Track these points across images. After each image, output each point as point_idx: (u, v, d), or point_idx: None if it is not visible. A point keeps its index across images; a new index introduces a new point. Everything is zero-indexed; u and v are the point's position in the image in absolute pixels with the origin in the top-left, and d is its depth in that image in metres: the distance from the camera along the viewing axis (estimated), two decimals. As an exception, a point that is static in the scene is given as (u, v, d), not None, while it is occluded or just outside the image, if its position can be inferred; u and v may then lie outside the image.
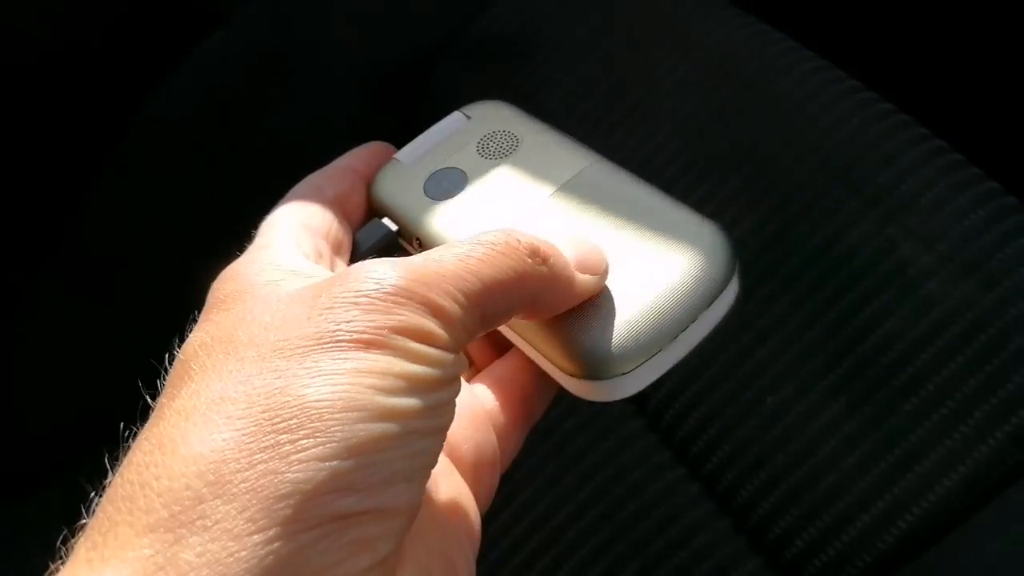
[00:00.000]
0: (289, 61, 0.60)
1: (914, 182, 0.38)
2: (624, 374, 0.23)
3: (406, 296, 0.19)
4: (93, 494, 0.18)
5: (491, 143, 0.30)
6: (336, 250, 0.26)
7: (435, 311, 0.19)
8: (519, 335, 0.26)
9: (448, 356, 0.20)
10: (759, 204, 0.41)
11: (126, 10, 0.60)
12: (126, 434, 0.19)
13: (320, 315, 0.19)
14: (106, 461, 0.18)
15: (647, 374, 0.24)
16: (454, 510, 0.23)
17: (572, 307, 0.24)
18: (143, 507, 0.16)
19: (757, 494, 0.36)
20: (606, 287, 0.24)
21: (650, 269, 0.25)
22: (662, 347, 0.23)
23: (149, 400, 0.19)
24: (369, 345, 0.18)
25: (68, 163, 0.61)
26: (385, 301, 0.19)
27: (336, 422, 0.17)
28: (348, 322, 0.18)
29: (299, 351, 0.18)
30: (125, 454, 0.18)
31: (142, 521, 0.16)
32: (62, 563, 0.16)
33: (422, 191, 0.29)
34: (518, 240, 0.22)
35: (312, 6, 0.61)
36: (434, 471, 0.23)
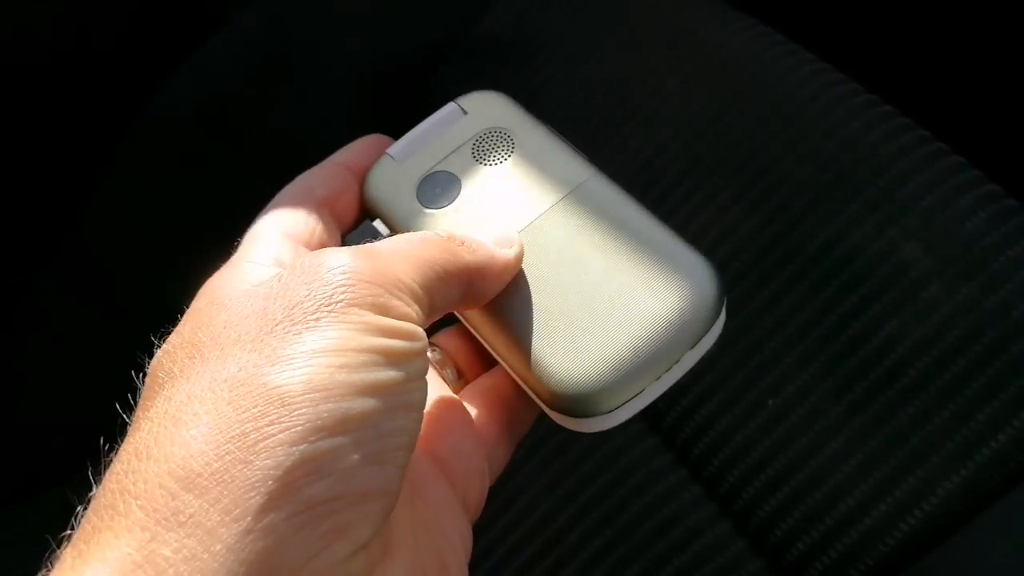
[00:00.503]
0: (290, 63, 0.60)
1: (915, 185, 0.38)
2: (603, 413, 0.23)
3: (364, 276, 0.19)
4: (79, 507, 0.18)
5: (486, 145, 0.29)
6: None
7: (396, 285, 0.20)
8: (504, 358, 0.25)
9: (414, 327, 0.19)
10: (760, 206, 0.41)
11: (127, 12, 0.60)
12: (107, 448, 0.19)
13: (275, 302, 0.18)
14: (90, 475, 0.18)
15: (627, 411, 0.24)
16: (445, 513, 0.23)
17: (544, 324, 0.24)
18: (123, 512, 0.16)
19: (758, 497, 0.36)
20: (596, 315, 0.24)
21: (637, 304, 0.24)
22: (643, 388, 0.23)
23: (126, 418, 0.19)
24: (325, 323, 0.18)
25: (68, 165, 0.61)
26: (344, 284, 0.19)
27: (299, 404, 0.16)
28: (301, 303, 0.18)
29: (257, 340, 0.18)
30: (107, 467, 0.18)
31: (122, 525, 0.16)
32: (48, 571, 0.16)
33: (414, 196, 0.28)
34: (437, 234, 0.23)
35: (313, 8, 0.61)
36: (422, 477, 0.22)
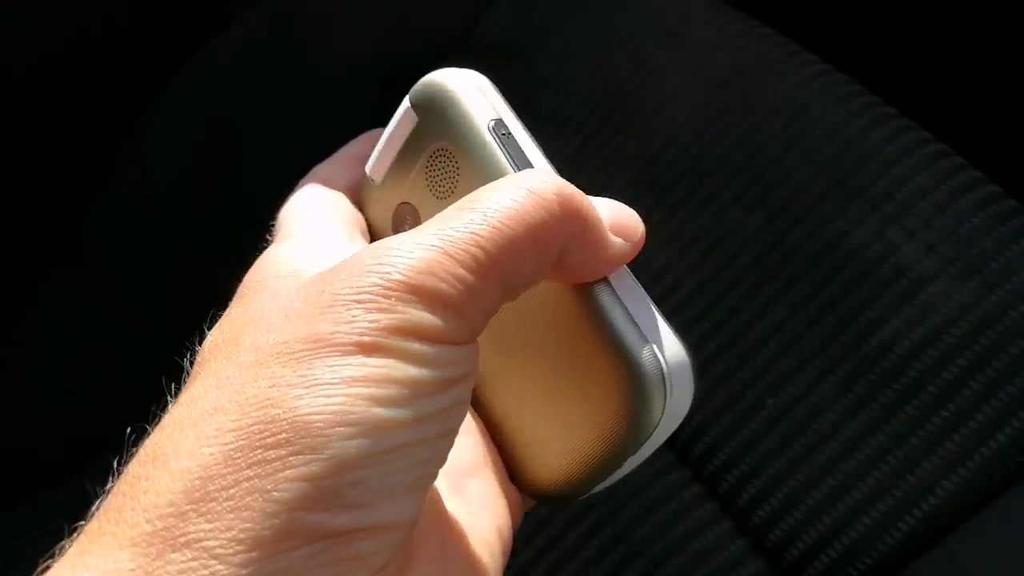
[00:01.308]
0: (290, 64, 0.60)
1: (915, 185, 0.38)
2: (554, 501, 0.24)
3: (410, 289, 0.17)
4: (99, 499, 0.17)
5: (435, 170, 0.25)
6: (365, 237, 0.25)
7: (439, 300, 0.18)
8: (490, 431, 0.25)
9: (454, 352, 0.18)
10: (761, 207, 0.41)
11: (128, 12, 0.60)
12: (133, 438, 0.18)
13: (320, 315, 0.17)
14: (115, 465, 0.18)
15: (576, 500, 0.24)
16: (482, 508, 0.22)
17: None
18: (129, 520, 0.16)
19: (759, 496, 0.36)
20: (542, 412, 0.23)
21: (578, 405, 0.23)
22: (588, 492, 0.23)
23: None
24: (369, 349, 0.17)
25: (70, 165, 0.61)
26: (388, 297, 0.17)
27: (327, 438, 0.16)
28: (348, 323, 0.17)
29: (296, 356, 0.17)
30: (130, 459, 0.18)
31: (126, 534, 0.16)
32: (53, 561, 0.16)
33: (391, 228, 0.27)
34: (545, 186, 0.19)
35: (313, 10, 0.61)
36: (464, 467, 0.22)
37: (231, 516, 0.15)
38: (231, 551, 0.15)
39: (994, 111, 0.53)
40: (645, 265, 0.43)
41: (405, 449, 0.17)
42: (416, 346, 0.17)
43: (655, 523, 0.38)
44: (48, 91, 0.59)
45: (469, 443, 0.24)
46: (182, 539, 0.15)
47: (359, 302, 0.17)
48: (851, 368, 0.36)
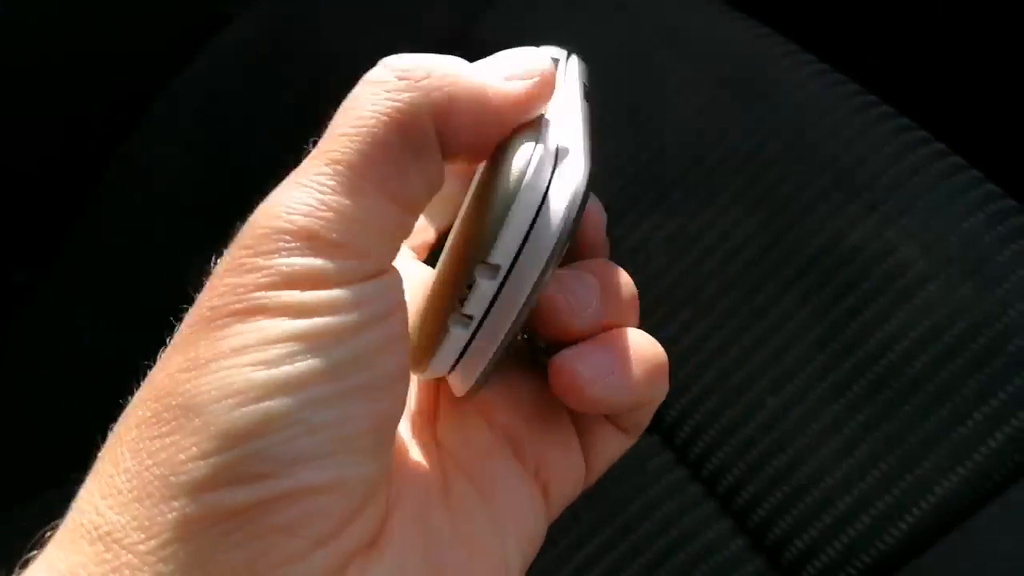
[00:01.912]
0: (291, 62, 0.60)
1: (914, 185, 0.38)
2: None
3: (273, 237, 0.16)
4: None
5: None
6: None
7: (309, 238, 0.16)
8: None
9: (356, 290, 0.16)
10: (760, 206, 0.41)
11: (130, 12, 0.60)
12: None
13: (205, 296, 0.17)
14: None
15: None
16: (507, 496, 0.20)
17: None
18: (70, 524, 0.16)
19: (758, 495, 0.36)
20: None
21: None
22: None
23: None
24: (244, 314, 0.16)
25: (70, 165, 0.61)
26: (256, 255, 0.16)
27: (212, 414, 0.15)
28: (221, 295, 0.16)
29: (185, 341, 0.17)
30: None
31: (67, 538, 0.16)
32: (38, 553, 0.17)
33: None
34: (381, 72, 0.18)
35: (312, 8, 0.61)
36: (487, 472, 0.20)
37: (136, 506, 0.15)
38: (140, 539, 0.15)
39: (993, 110, 0.53)
40: (645, 265, 0.43)
41: (309, 408, 0.16)
42: (297, 296, 0.16)
43: (655, 522, 0.38)
44: (47, 91, 0.59)
45: (483, 425, 0.22)
46: (95, 532, 0.15)
47: (230, 270, 0.17)
48: (850, 367, 0.36)
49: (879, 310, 0.37)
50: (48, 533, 0.17)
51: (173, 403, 0.16)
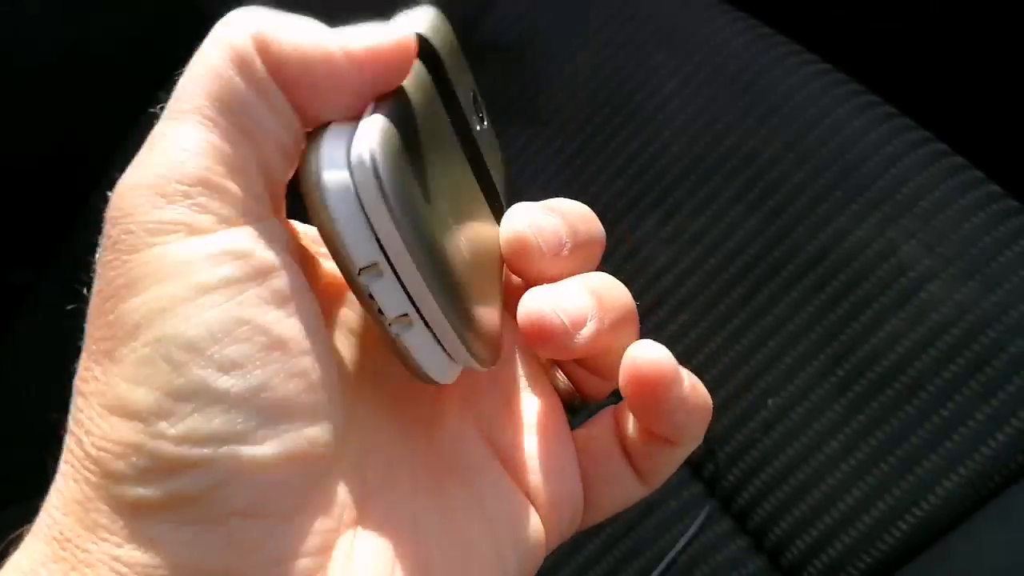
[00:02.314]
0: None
1: (915, 185, 0.38)
2: None
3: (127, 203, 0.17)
4: None
5: None
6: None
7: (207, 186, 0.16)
8: None
9: (225, 237, 0.16)
10: (760, 206, 0.41)
11: (125, 13, 0.60)
12: None
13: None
14: None
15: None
16: (503, 506, 0.20)
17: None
18: (33, 528, 0.16)
19: (759, 495, 0.36)
20: None
21: None
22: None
23: None
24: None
25: (69, 165, 0.61)
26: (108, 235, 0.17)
27: (131, 401, 0.16)
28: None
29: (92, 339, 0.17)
30: None
31: (30, 540, 0.16)
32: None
33: None
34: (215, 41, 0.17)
35: (310, 8, 0.61)
36: (490, 494, 0.20)
37: (77, 507, 0.15)
38: (89, 539, 0.15)
39: (994, 111, 0.53)
40: (646, 265, 0.43)
41: (223, 376, 0.15)
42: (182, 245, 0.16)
43: (656, 522, 0.38)
44: (48, 91, 0.59)
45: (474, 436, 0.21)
46: (49, 533, 0.16)
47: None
48: (851, 367, 0.36)
49: (880, 310, 0.37)
50: (14, 542, 0.17)
51: (94, 400, 0.16)
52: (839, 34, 0.50)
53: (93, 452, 0.15)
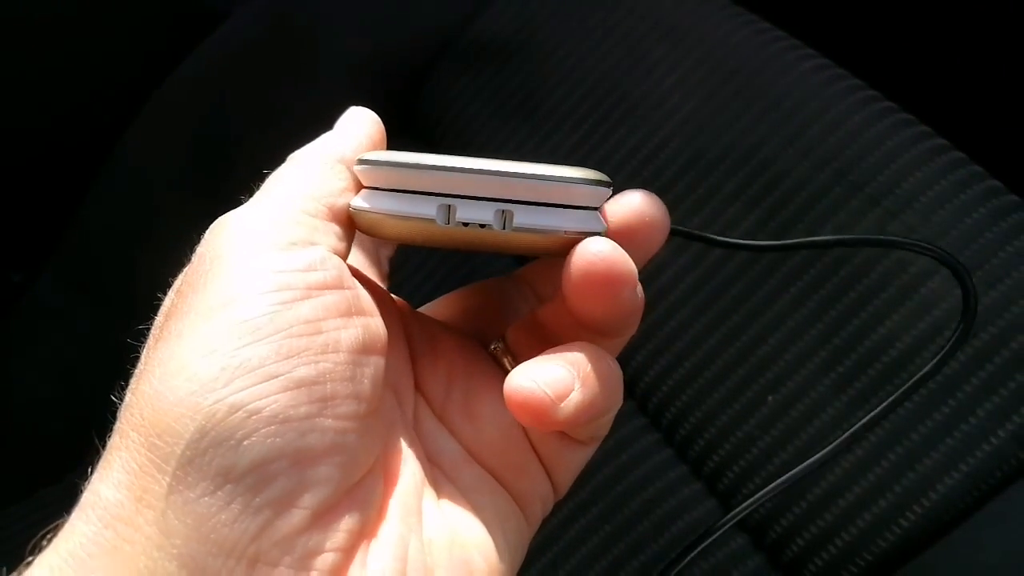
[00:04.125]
0: (285, 61, 0.60)
1: (915, 180, 0.38)
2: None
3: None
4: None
5: None
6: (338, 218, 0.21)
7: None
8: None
9: (308, 253, 0.19)
10: (760, 202, 0.41)
11: (126, 10, 0.60)
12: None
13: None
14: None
15: None
16: (489, 500, 0.21)
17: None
18: (73, 512, 0.17)
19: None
20: None
21: None
22: None
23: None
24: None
25: (68, 162, 0.61)
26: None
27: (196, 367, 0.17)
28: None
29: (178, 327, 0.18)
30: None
31: (68, 524, 0.17)
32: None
33: None
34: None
35: (309, 7, 0.61)
36: (471, 488, 0.21)
37: (129, 479, 0.16)
38: (134, 511, 0.16)
39: (995, 106, 0.52)
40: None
41: (287, 361, 0.17)
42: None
43: (656, 519, 0.38)
44: (47, 88, 0.59)
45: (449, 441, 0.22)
46: (94, 513, 0.16)
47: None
48: (851, 364, 0.36)
49: (880, 306, 0.36)
50: (49, 535, 0.17)
51: (168, 388, 0.16)
52: (839, 30, 0.50)
53: (150, 414, 0.16)
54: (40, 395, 0.56)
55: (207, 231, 0.19)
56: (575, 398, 0.19)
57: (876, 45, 0.53)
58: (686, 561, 0.25)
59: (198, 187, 0.58)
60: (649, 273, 0.42)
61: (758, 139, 0.42)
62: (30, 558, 0.17)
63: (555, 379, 0.19)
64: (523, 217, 0.19)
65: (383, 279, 0.26)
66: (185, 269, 0.19)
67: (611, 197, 0.20)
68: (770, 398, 0.37)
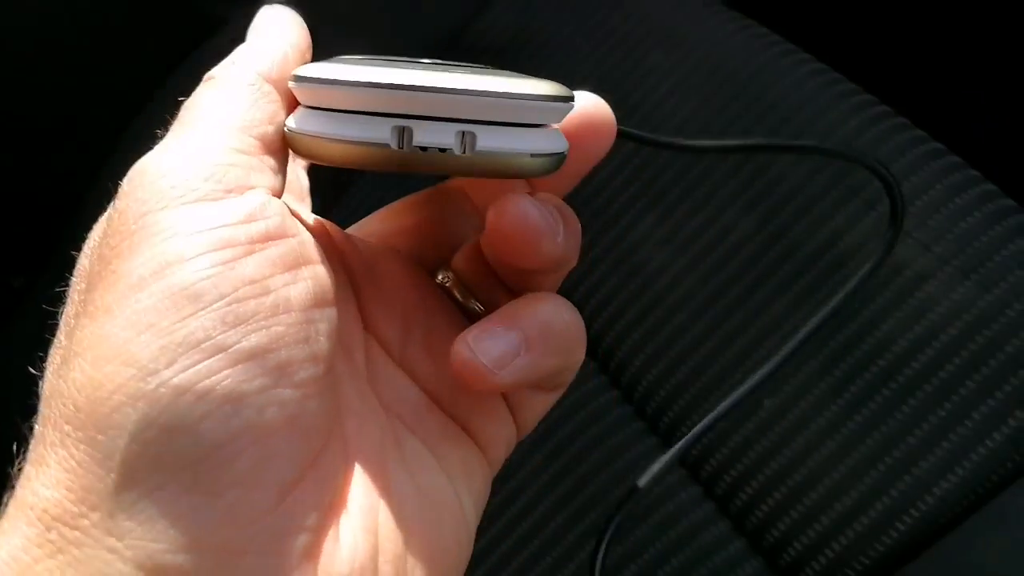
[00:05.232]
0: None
1: (912, 184, 0.38)
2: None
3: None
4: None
5: None
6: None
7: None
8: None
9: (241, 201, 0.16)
10: (757, 205, 0.41)
11: (125, 15, 0.60)
12: None
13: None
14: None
15: None
16: (452, 448, 0.20)
17: None
18: (8, 512, 0.15)
19: (756, 496, 0.36)
20: None
21: None
22: None
23: None
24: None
25: (68, 166, 0.61)
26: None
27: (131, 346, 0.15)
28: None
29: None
30: None
31: (6, 524, 0.15)
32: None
33: None
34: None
35: (309, 8, 0.61)
36: (432, 436, 0.20)
37: (69, 478, 0.15)
38: (79, 512, 0.14)
39: (990, 109, 0.53)
40: (642, 264, 0.43)
41: (233, 331, 0.15)
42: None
43: (654, 524, 0.38)
44: (47, 91, 0.59)
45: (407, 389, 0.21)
46: (33, 513, 0.15)
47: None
48: (848, 367, 0.36)
49: (877, 309, 0.36)
50: None
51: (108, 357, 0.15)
52: (835, 34, 0.50)
53: (85, 405, 0.14)
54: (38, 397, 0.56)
55: (124, 180, 0.17)
56: (519, 363, 0.18)
57: (872, 50, 0.53)
58: (629, 505, 0.24)
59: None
60: (646, 278, 0.42)
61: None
62: None
63: (497, 348, 0.18)
64: (486, 140, 0.17)
65: (303, 197, 0.24)
66: (103, 224, 0.17)
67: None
68: (767, 401, 0.37)
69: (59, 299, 0.19)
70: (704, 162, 0.43)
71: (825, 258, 0.39)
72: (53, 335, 0.19)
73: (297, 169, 0.24)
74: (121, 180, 0.18)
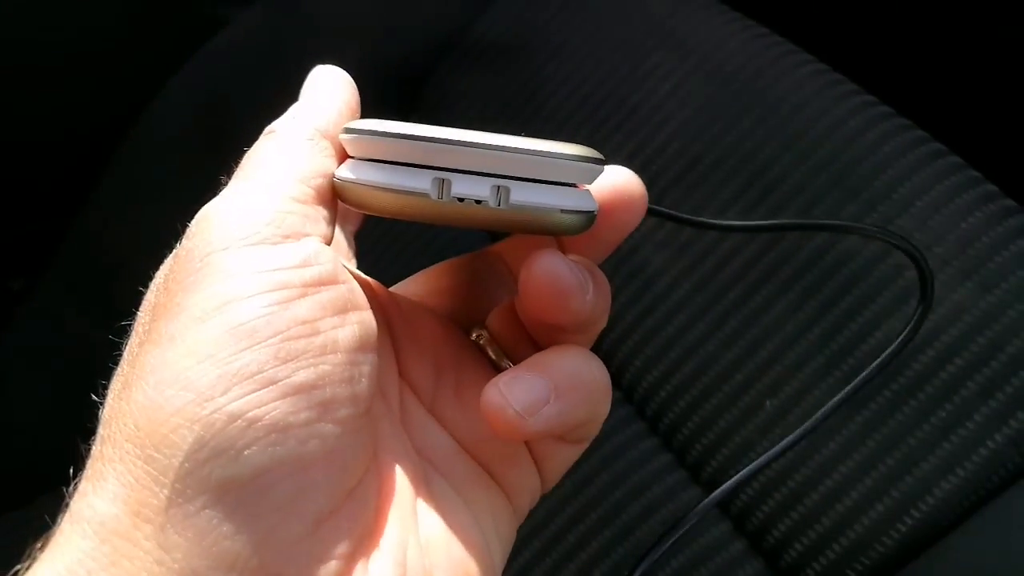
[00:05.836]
0: (288, 65, 0.60)
1: (912, 185, 0.38)
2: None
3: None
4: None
5: None
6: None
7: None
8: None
9: (300, 247, 0.18)
10: (758, 206, 0.41)
11: (126, 16, 0.60)
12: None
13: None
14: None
15: None
16: (480, 493, 0.21)
17: None
18: (64, 525, 0.16)
19: (757, 497, 0.36)
20: None
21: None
22: None
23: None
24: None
25: (69, 167, 0.61)
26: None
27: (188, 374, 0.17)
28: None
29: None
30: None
31: (62, 537, 0.16)
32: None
33: None
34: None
35: (310, 9, 0.61)
36: (460, 480, 0.21)
37: (126, 493, 0.16)
38: (132, 525, 0.15)
39: (991, 110, 0.53)
40: (642, 266, 0.43)
41: (283, 366, 0.16)
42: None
43: (655, 524, 0.38)
44: (48, 92, 0.59)
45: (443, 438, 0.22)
46: (90, 527, 0.16)
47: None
48: (849, 369, 0.36)
49: (877, 311, 0.36)
50: (39, 545, 0.16)
51: (166, 391, 0.16)
52: (835, 34, 0.50)
53: (145, 425, 0.16)
54: (41, 403, 0.56)
55: (192, 223, 0.19)
56: (548, 412, 0.19)
57: (873, 50, 0.53)
58: (665, 547, 0.25)
59: (199, 190, 0.58)
60: (645, 280, 0.42)
61: (755, 144, 0.42)
62: (17, 567, 0.16)
63: (527, 394, 0.19)
64: (519, 194, 0.19)
65: (352, 258, 0.26)
66: (169, 263, 0.19)
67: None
68: (768, 403, 0.37)
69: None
70: (703, 163, 0.43)
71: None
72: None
73: (346, 228, 0.26)
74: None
